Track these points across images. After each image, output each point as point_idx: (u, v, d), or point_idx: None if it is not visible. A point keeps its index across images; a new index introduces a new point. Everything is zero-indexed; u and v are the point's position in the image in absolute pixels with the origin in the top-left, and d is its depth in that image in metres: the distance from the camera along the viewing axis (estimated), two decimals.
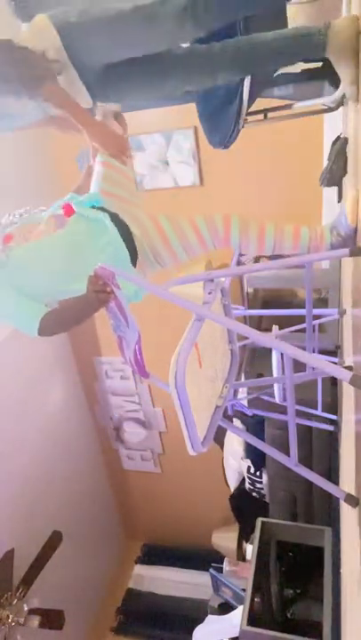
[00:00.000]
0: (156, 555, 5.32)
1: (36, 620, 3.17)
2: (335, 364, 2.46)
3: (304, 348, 1.77)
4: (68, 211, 1.53)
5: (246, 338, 2.44)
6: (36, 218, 1.55)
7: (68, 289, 1.48)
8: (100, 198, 1.60)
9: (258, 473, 3.70)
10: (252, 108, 2.02)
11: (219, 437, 3.93)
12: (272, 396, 2.24)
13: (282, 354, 1.79)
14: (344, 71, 1.49)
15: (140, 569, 5.25)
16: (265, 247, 1.61)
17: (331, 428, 2.50)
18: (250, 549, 3.63)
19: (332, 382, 2.74)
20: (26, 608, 3.21)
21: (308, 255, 1.50)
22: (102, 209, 1.57)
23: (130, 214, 1.60)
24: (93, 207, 1.57)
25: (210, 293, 1.37)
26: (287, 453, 1.40)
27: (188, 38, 1.46)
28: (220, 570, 4.25)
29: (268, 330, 2.39)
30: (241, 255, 2.66)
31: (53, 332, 1.46)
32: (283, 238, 1.59)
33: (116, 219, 1.54)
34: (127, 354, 1.61)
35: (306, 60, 1.93)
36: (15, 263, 1.43)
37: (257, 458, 3.64)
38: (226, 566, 4.39)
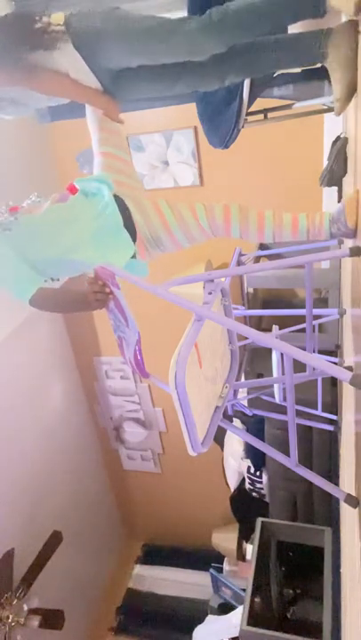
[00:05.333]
0: (156, 555, 5.32)
1: (36, 620, 3.17)
2: (335, 364, 2.46)
3: (304, 348, 1.77)
4: (72, 189, 1.59)
5: (246, 338, 2.44)
6: (43, 200, 1.61)
7: (66, 259, 1.52)
8: (107, 179, 1.63)
9: (258, 473, 3.70)
10: (252, 108, 2.01)
11: (219, 437, 3.93)
12: (272, 396, 2.24)
13: (282, 354, 1.79)
14: (338, 83, 1.49)
15: (140, 569, 5.25)
16: (265, 236, 1.66)
17: (331, 427, 2.50)
18: (250, 549, 3.63)
19: (333, 382, 2.74)
20: (26, 608, 3.22)
21: (309, 255, 1.50)
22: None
23: (132, 199, 1.64)
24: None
25: (210, 294, 1.37)
26: (287, 453, 1.40)
27: (209, 53, 1.49)
28: (220, 570, 4.25)
29: (268, 330, 2.39)
30: (241, 255, 2.66)
31: (43, 307, 1.49)
32: (282, 227, 1.64)
33: (115, 197, 1.58)
34: (127, 354, 1.61)
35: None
36: (20, 230, 1.47)
37: (257, 458, 3.64)
38: (226, 566, 4.39)
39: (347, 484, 1.75)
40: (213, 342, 1.49)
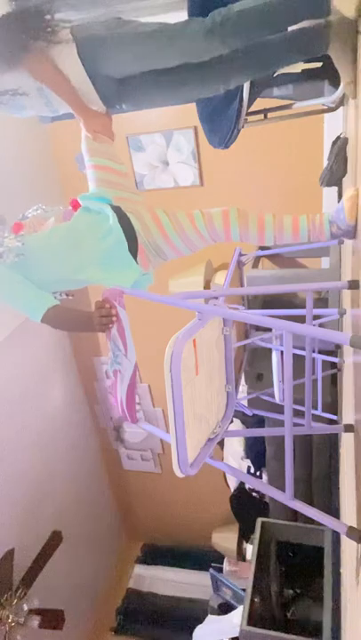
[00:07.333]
0: (156, 555, 5.32)
1: (36, 620, 3.17)
2: (335, 364, 2.46)
3: (303, 348, 1.77)
4: (75, 205, 1.62)
5: (246, 338, 2.44)
6: (49, 213, 1.64)
7: (72, 279, 1.56)
8: (107, 195, 1.64)
9: (258, 473, 3.70)
10: (252, 108, 2.01)
11: None
12: (272, 396, 2.25)
13: (282, 353, 1.79)
14: (343, 69, 1.52)
15: (140, 569, 5.25)
16: (265, 239, 1.67)
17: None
18: (250, 549, 3.63)
19: (333, 382, 2.73)
20: (26, 608, 3.21)
21: (310, 284, 1.52)
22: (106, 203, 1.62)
23: (132, 212, 1.65)
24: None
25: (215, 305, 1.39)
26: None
27: (212, 56, 1.51)
28: (220, 570, 4.25)
29: (268, 330, 2.39)
30: (241, 255, 2.66)
31: (54, 325, 1.53)
32: (282, 229, 1.64)
33: (117, 210, 1.59)
34: (119, 393, 1.59)
35: (307, 60, 1.93)
36: (28, 253, 1.50)
37: (257, 458, 3.64)
38: (226, 566, 4.39)
39: (347, 484, 1.75)
40: (210, 366, 1.47)
